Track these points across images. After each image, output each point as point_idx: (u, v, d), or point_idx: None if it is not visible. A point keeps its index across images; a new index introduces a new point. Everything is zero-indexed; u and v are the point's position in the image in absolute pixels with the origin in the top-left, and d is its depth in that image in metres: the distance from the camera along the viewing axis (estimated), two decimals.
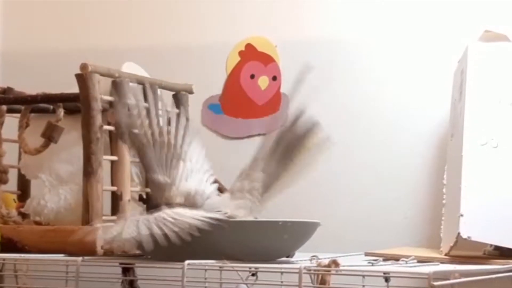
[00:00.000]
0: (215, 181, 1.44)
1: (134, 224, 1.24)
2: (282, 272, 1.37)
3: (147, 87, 1.39)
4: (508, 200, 1.40)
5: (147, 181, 1.40)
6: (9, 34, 2.04)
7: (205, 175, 1.42)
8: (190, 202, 1.35)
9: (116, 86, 1.41)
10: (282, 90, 1.83)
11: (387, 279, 1.22)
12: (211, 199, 1.36)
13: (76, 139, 1.50)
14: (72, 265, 1.32)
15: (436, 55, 1.73)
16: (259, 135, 1.84)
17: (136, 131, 1.34)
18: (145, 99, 1.37)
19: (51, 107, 1.55)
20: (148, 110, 1.36)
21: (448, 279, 1.16)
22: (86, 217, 1.43)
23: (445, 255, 1.39)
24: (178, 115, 1.41)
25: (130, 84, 1.43)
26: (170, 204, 1.33)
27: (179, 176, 1.37)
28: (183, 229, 1.22)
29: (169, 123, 1.39)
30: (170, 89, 1.64)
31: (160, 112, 1.38)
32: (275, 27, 1.84)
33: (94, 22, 1.98)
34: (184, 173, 1.37)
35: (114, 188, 1.50)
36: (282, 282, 1.42)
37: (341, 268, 1.15)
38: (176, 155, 1.38)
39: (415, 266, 1.24)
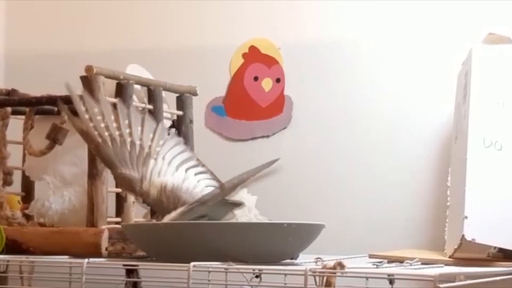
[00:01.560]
0: (214, 179, 1.45)
1: None
2: (286, 274, 1.37)
3: (104, 98, 1.42)
4: None
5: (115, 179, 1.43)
6: (13, 36, 2.04)
7: (189, 172, 1.43)
8: (167, 196, 1.36)
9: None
10: (285, 92, 1.83)
11: (391, 281, 1.22)
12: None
13: (80, 141, 1.49)
14: (76, 267, 1.32)
15: (439, 57, 1.73)
16: (262, 137, 1.84)
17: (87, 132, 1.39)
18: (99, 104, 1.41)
19: (56, 109, 1.55)
20: (103, 116, 1.40)
21: (453, 281, 1.16)
22: (91, 219, 1.43)
23: (449, 257, 1.40)
24: (144, 121, 1.43)
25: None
26: (145, 198, 1.36)
27: (149, 172, 1.38)
28: None
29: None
30: (174, 91, 1.64)
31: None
32: (278, 29, 1.84)
33: (99, 24, 1.98)
34: (155, 170, 1.39)
35: (119, 190, 1.50)
36: (285, 284, 1.43)
37: (346, 270, 1.14)
38: (144, 155, 1.40)
39: (419, 268, 1.24)
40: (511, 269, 1.32)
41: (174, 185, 1.38)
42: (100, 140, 1.38)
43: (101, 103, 1.41)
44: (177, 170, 1.41)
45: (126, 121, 1.41)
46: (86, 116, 1.39)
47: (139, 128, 1.42)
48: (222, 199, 1.33)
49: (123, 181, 1.39)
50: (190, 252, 1.25)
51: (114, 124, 1.40)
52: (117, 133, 1.40)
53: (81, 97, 1.40)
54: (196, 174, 1.44)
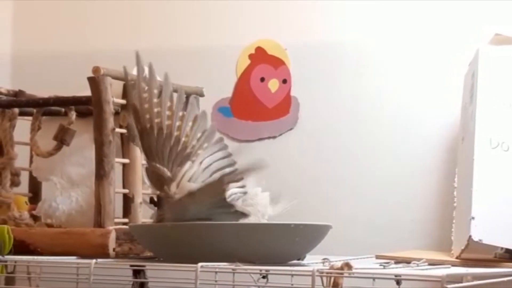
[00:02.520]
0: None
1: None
2: (292, 275, 1.38)
3: (167, 82, 1.38)
4: None
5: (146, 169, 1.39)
6: (20, 37, 2.05)
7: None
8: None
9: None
10: (292, 93, 1.83)
11: (398, 282, 1.22)
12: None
13: (88, 142, 1.50)
14: (83, 267, 1.33)
15: (446, 58, 1.73)
16: (269, 138, 1.84)
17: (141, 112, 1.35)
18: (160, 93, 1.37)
19: (63, 110, 1.55)
20: (161, 100, 1.36)
21: (460, 282, 1.16)
22: (98, 220, 1.44)
23: (456, 258, 1.40)
24: (198, 118, 1.40)
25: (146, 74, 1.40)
26: (167, 199, 1.33)
27: (181, 173, 1.35)
28: None
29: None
30: None
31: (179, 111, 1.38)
32: (285, 30, 1.84)
33: (105, 25, 1.98)
34: (189, 173, 1.36)
35: (126, 191, 1.51)
36: (292, 284, 1.43)
37: (353, 270, 1.15)
38: (184, 153, 1.37)
39: (427, 269, 1.24)
40: None
41: None
42: (148, 125, 1.34)
43: (162, 89, 1.36)
44: (210, 177, 1.37)
45: (180, 113, 1.37)
46: (145, 95, 1.35)
47: (190, 124, 1.38)
48: (234, 211, 1.32)
49: (152, 175, 1.36)
50: (197, 253, 1.25)
51: (168, 113, 1.35)
52: (166, 123, 1.35)
53: (144, 75, 1.35)
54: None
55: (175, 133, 1.36)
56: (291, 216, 1.42)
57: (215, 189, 1.29)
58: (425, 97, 1.75)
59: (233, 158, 1.42)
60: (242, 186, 1.38)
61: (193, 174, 1.36)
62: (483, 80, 1.48)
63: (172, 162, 1.35)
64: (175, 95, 1.40)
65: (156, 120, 1.35)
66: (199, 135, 1.39)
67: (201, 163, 1.38)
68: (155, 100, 1.36)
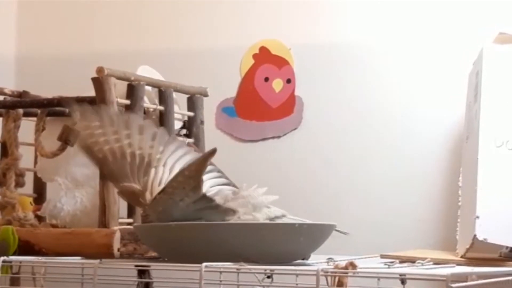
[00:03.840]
0: (222, 177, 1.44)
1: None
2: (297, 274, 1.38)
3: (105, 108, 1.41)
4: None
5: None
6: (24, 38, 2.05)
7: None
8: None
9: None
10: (296, 92, 1.83)
11: (403, 281, 1.22)
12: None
13: None
14: (88, 268, 1.33)
15: (450, 57, 1.73)
16: (273, 137, 1.84)
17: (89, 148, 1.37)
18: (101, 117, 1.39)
19: (67, 110, 1.55)
20: (104, 129, 1.38)
21: (465, 281, 1.16)
22: (103, 220, 1.44)
23: (461, 257, 1.40)
24: (144, 128, 1.41)
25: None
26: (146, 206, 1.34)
27: (150, 181, 1.36)
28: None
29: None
30: (185, 92, 1.65)
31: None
32: (289, 30, 1.84)
33: (109, 26, 1.99)
34: (156, 179, 1.37)
35: None
36: (297, 284, 1.43)
37: (358, 270, 1.15)
38: (144, 164, 1.37)
39: (431, 268, 1.24)
40: None
41: None
42: (100, 156, 1.36)
43: (101, 115, 1.39)
44: None
45: (125, 132, 1.38)
46: (86, 132, 1.38)
47: (138, 137, 1.39)
48: (216, 205, 1.32)
49: (125, 195, 1.37)
50: (201, 253, 1.25)
51: (114, 136, 1.37)
52: (116, 145, 1.37)
53: (80, 112, 1.39)
54: None
55: (128, 150, 1.37)
56: (295, 215, 1.42)
57: (186, 179, 1.29)
58: (429, 96, 1.75)
59: (196, 152, 1.45)
60: (228, 183, 1.42)
61: (161, 178, 1.37)
62: (487, 79, 1.48)
63: (137, 176, 1.36)
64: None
65: (106, 147, 1.37)
66: (150, 143, 1.39)
67: (164, 165, 1.39)
68: (98, 131, 1.37)
